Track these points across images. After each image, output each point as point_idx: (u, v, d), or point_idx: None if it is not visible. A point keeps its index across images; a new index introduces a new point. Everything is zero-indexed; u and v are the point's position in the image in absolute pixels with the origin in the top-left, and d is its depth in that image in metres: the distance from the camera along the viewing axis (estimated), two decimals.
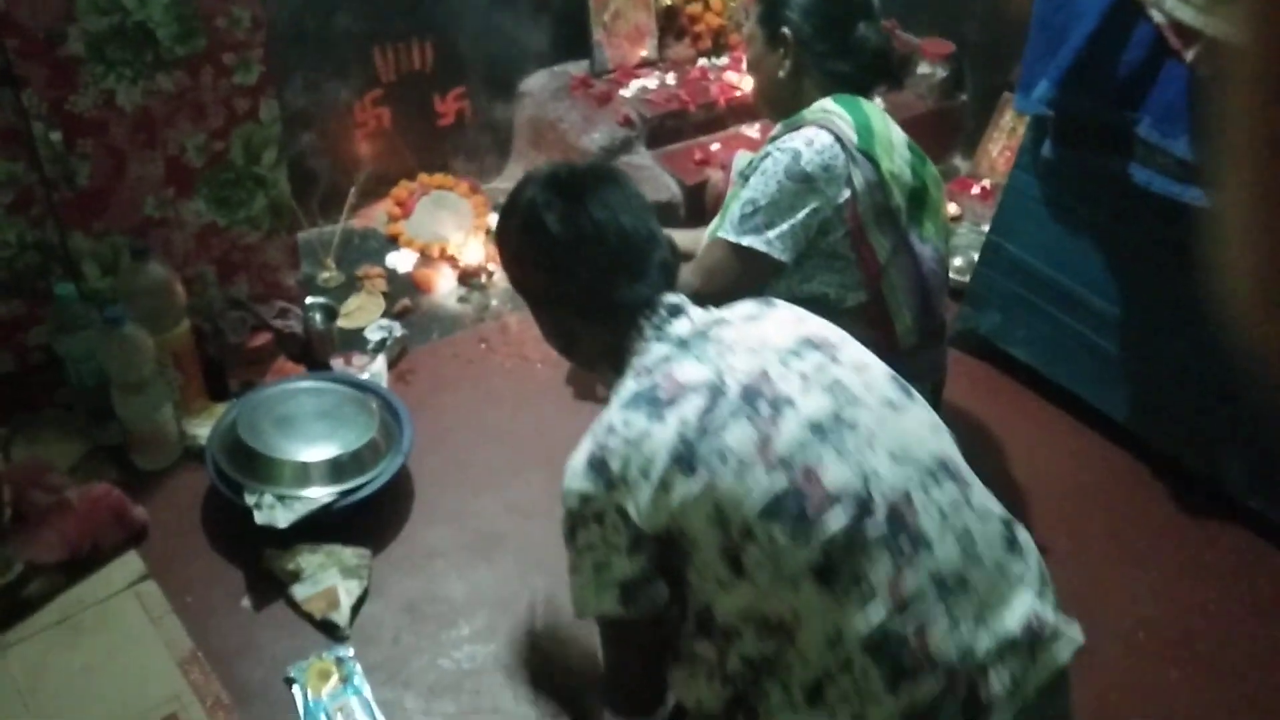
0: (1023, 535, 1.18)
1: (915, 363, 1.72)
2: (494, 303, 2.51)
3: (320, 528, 1.82)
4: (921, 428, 1.13)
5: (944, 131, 3.13)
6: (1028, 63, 1.98)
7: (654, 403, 1.10)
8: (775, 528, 1.02)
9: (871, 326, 1.67)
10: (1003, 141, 2.98)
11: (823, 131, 1.62)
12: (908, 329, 1.68)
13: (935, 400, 1.87)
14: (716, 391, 1.09)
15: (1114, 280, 2.09)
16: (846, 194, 1.61)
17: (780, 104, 1.75)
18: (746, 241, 1.63)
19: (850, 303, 1.67)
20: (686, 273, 1.77)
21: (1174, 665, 1.86)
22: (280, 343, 2.14)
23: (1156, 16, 1.72)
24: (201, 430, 1.98)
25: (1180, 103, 1.72)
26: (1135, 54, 1.78)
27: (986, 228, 2.39)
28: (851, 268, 1.65)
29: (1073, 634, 1.12)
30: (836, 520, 1.02)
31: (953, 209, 2.92)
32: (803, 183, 1.60)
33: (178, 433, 1.98)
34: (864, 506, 1.03)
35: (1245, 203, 0.39)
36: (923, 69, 3.07)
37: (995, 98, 2.98)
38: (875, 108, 1.72)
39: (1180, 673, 1.85)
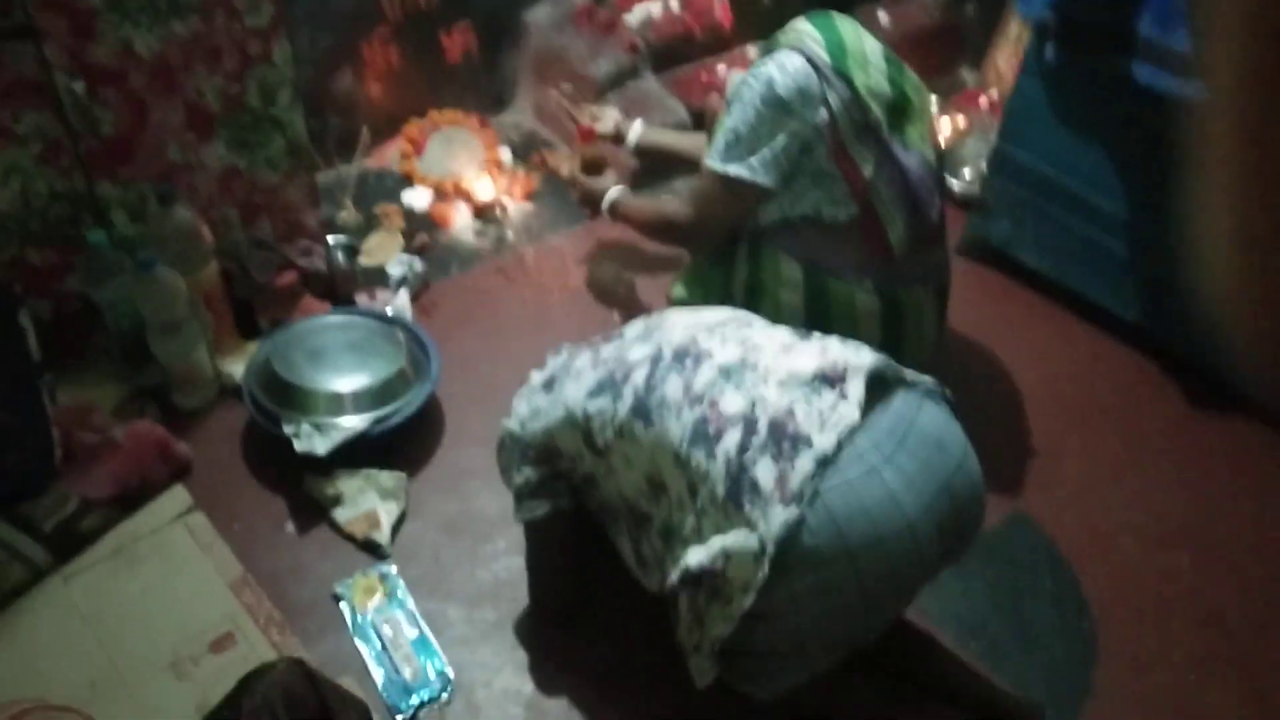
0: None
1: (913, 267, 1.77)
2: (509, 235, 2.56)
3: (357, 453, 1.89)
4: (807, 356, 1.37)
5: (950, 44, 3.13)
6: None
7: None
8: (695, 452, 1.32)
9: (865, 239, 1.72)
10: (1009, 51, 2.97)
11: (795, 54, 1.66)
12: (901, 238, 1.72)
13: (941, 302, 1.91)
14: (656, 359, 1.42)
15: (1121, 181, 2.11)
16: (824, 114, 1.65)
17: (762, 27, 1.80)
18: (732, 170, 1.69)
19: (842, 218, 1.72)
20: (680, 203, 1.83)
21: (1185, 552, 1.92)
22: (305, 281, 2.19)
23: None
24: (236, 368, 2.05)
25: (1178, 6, 1.73)
26: None
27: (995, 138, 2.41)
28: (838, 183, 1.69)
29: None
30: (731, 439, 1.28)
31: (961, 121, 2.93)
32: (778, 108, 1.64)
33: (213, 371, 2.05)
34: (750, 426, 1.28)
35: (1236, 93, 0.39)
36: None
37: (1001, 7, 2.96)
38: (849, 22, 1.75)
39: (1191, 559, 1.91)
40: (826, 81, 1.65)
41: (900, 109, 1.72)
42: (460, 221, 2.58)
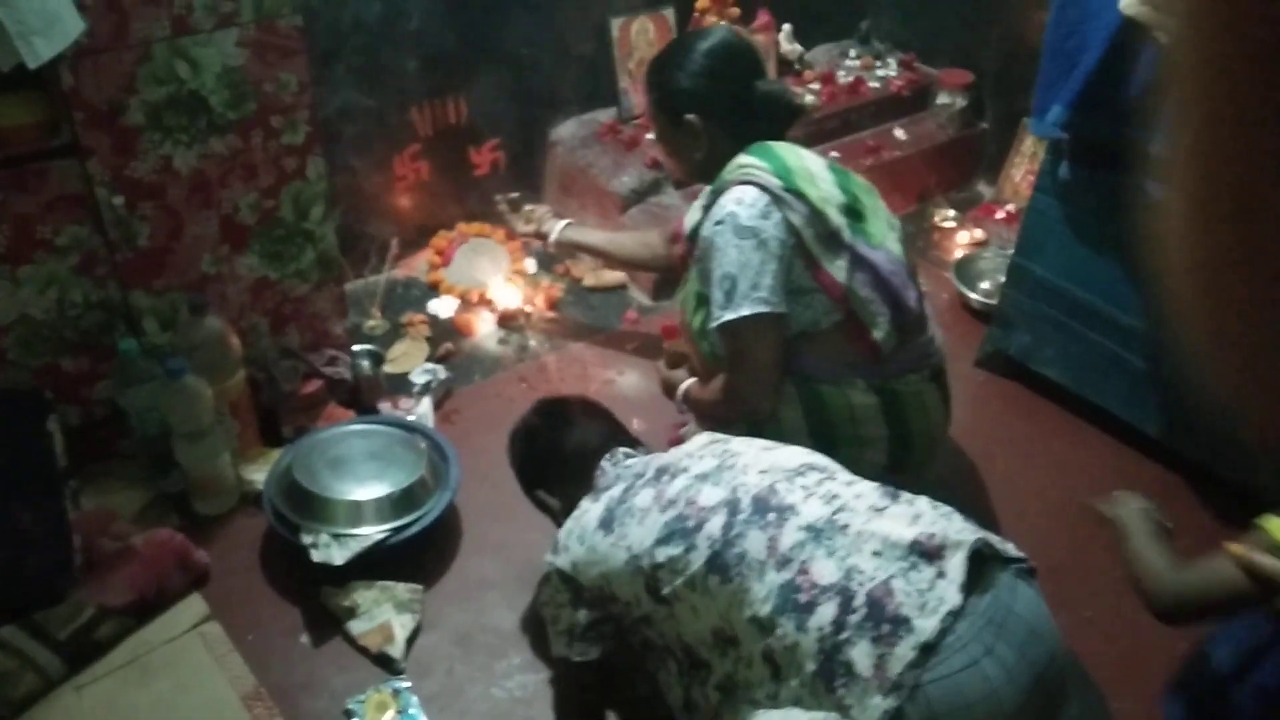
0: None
1: (902, 357, 1.78)
2: (532, 343, 2.59)
3: (374, 564, 1.89)
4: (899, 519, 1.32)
5: (966, 159, 3.19)
6: (1041, 88, 2.04)
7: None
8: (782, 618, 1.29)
9: (850, 341, 1.74)
10: (1024, 166, 3.03)
11: (747, 187, 1.71)
12: (886, 334, 1.74)
13: (939, 384, 1.90)
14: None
15: (1138, 295, 2.12)
16: (789, 232, 1.70)
17: (705, 174, 1.86)
18: (746, 311, 1.69)
19: (826, 324, 1.74)
20: (725, 379, 1.80)
21: None
22: (330, 389, 2.23)
23: (1162, 38, 1.78)
24: (258, 475, 2.07)
25: None
26: (1144, 74, 1.83)
27: (1012, 251, 2.43)
28: (818, 295, 1.72)
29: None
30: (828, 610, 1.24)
31: (979, 234, 2.97)
32: (752, 237, 1.68)
33: (235, 478, 2.07)
34: (847, 601, 1.23)
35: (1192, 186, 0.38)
36: (942, 99, 3.14)
37: (1015, 124, 3.03)
38: (783, 144, 1.81)
39: None
40: (782, 203, 1.70)
41: (855, 211, 1.76)
42: (484, 330, 2.62)
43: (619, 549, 1.43)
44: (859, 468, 1.50)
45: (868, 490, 1.39)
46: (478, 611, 1.91)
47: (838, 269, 1.71)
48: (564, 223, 2.48)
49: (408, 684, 1.76)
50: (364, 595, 1.87)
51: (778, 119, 1.86)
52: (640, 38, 2.92)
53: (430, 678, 1.79)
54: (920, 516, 1.31)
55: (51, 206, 1.88)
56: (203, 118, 1.94)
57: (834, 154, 2.94)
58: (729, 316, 1.71)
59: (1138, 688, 1.82)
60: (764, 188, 1.71)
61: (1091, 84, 1.90)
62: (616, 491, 1.52)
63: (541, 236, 2.49)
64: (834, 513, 1.32)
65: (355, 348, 2.35)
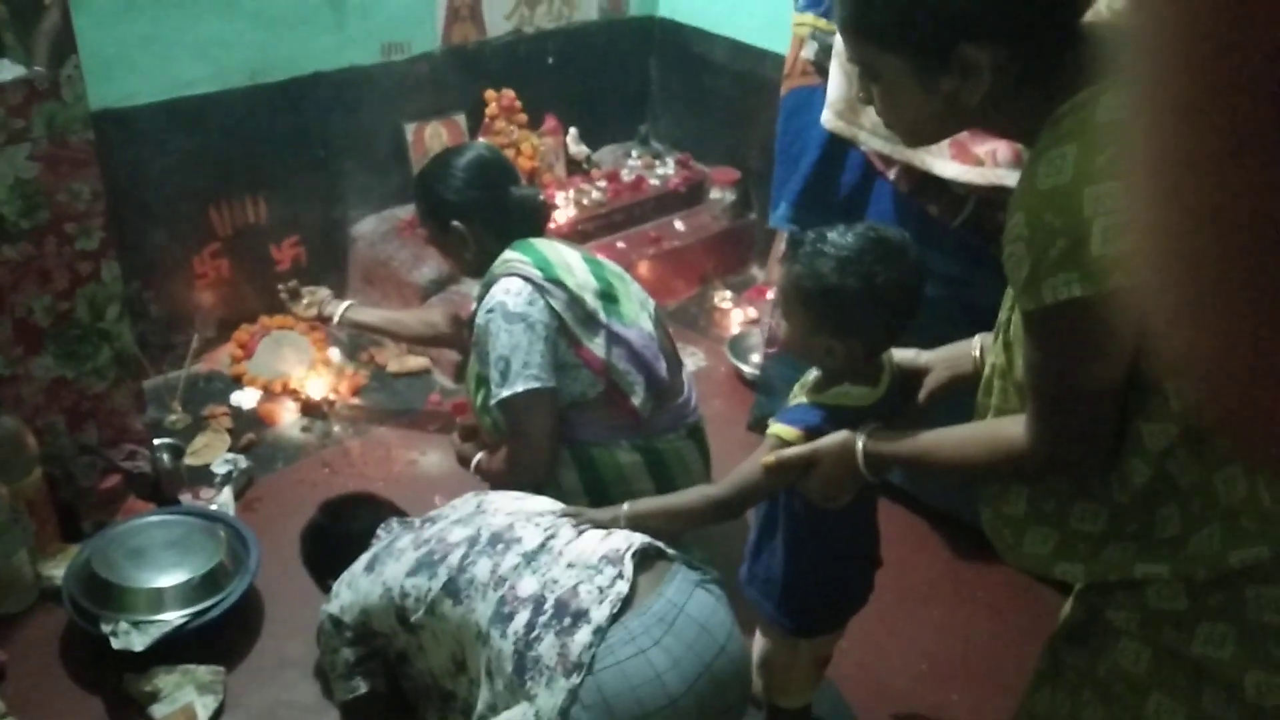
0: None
1: (660, 419, 2.02)
2: (336, 429, 2.72)
3: (177, 649, 1.96)
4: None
5: (739, 246, 3.53)
6: (775, 187, 2.36)
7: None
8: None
9: (614, 407, 1.98)
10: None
11: (513, 279, 1.94)
12: (643, 400, 1.98)
13: (697, 441, 2.15)
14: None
15: None
16: (552, 316, 1.93)
17: (478, 269, 2.08)
18: (520, 387, 1.90)
19: (592, 395, 1.97)
20: (509, 451, 2.01)
21: (954, 688, 2.15)
22: (130, 483, 2.29)
23: (862, 146, 2.12)
24: (56, 571, 2.10)
25: (889, 212, 2.10)
26: (851, 176, 2.17)
27: None
28: (582, 370, 1.96)
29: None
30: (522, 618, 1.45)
31: (752, 312, 3.29)
32: (520, 321, 1.90)
33: (33, 575, 2.10)
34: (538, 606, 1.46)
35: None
36: (714, 194, 3.48)
37: None
38: (545, 242, 2.06)
39: (960, 694, 2.14)
40: (544, 291, 1.93)
41: (609, 295, 2.01)
42: (288, 419, 2.72)
43: (377, 584, 1.61)
44: None
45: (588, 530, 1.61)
46: (280, 689, 2.00)
47: (597, 346, 1.95)
48: (346, 304, 2.63)
49: None
50: (166, 679, 1.93)
51: (532, 218, 2.11)
52: (434, 140, 3.14)
53: None
54: (612, 535, 1.54)
55: None
56: None
57: (620, 244, 3.22)
58: (505, 393, 1.91)
59: (888, 704, 2.08)
60: (527, 279, 1.94)
61: (809, 184, 2.22)
62: (384, 541, 1.70)
63: (325, 319, 2.63)
64: (547, 539, 1.53)
65: (156, 441, 2.42)
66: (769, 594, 1.63)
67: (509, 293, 1.93)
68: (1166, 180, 0.36)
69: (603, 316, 1.97)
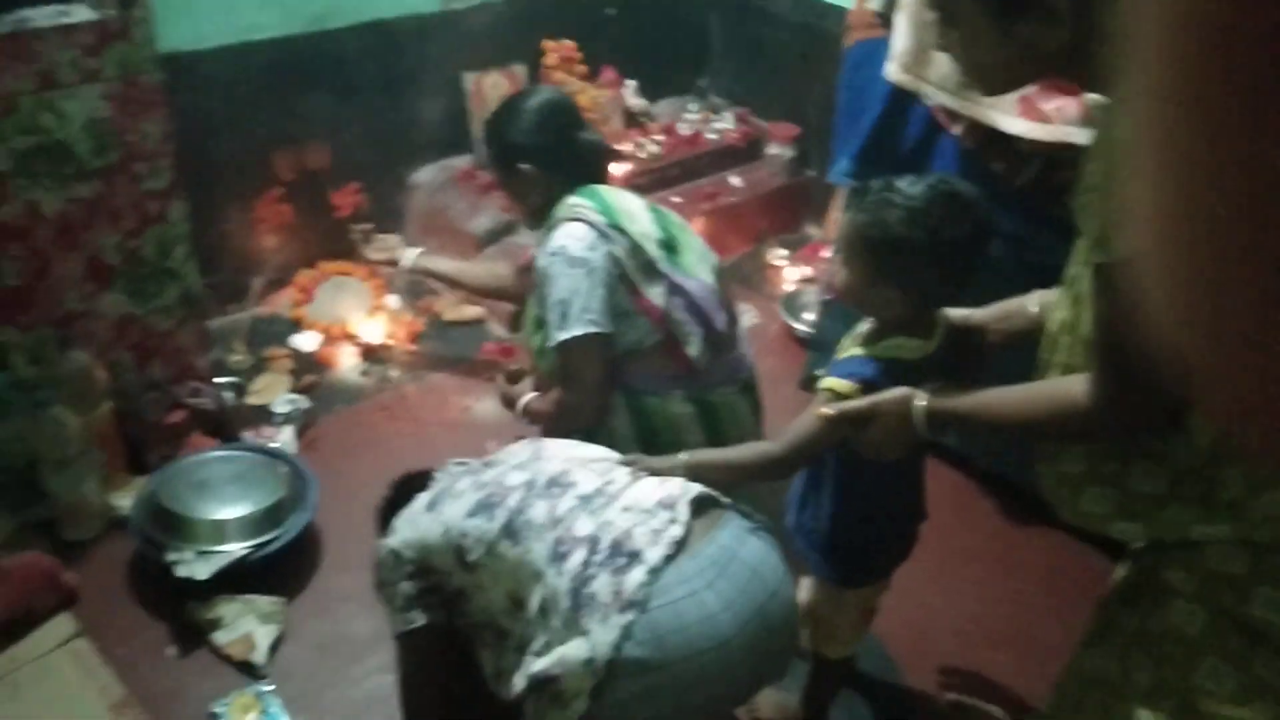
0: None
1: (715, 372, 2.03)
2: (393, 374, 2.76)
3: (238, 579, 2.03)
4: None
5: (796, 204, 3.51)
6: (836, 143, 2.34)
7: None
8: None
9: (669, 357, 1.98)
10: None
11: (576, 223, 1.95)
12: (699, 349, 1.99)
13: (750, 395, 2.16)
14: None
15: None
16: (613, 262, 1.93)
17: (542, 215, 2.08)
18: (578, 331, 1.91)
19: (648, 344, 1.98)
20: (559, 393, 2.03)
21: (999, 649, 2.15)
22: (194, 419, 2.35)
23: (927, 100, 2.09)
24: (124, 502, 2.18)
25: (953, 168, 2.08)
26: (915, 131, 2.14)
27: None
28: (640, 318, 1.96)
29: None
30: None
31: (806, 271, 3.28)
32: (581, 266, 1.91)
33: (103, 505, 2.17)
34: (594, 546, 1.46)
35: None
36: (772, 149, 3.45)
37: None
38: (609, 189, 2.06)
39: (1005, 655, 2.14)
40: (606, 237, 1.94)
41: (670, 245, 2.02)
42: (347, 363, 2.78)
43: (437, 523, 1.65)
44: None
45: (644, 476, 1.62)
46: (336, 621, 2.07)
47: (656, 295, 1.95)
48: (416, 251, 2.67)
49: (270, 688, 1.90)
50: (228, 608, 2.00)
51: (597, 163, 2.11)
52: (494, 91, 3.14)
53: (292, 681, 1.94)
54: (668, 482, 1.56)
55: None
56: (68, 165, 2.07)
57: (676, 199, 3.21)
58: (563, 336, 1.93)
59: (934, 662, 2.09)
60: (590, 224, 1.95)
61: (871, 139, 2.20)
62: (444, 484, 1.74)
63: (393, 263, 2.67)
64: (603, 484, 1.56)
65: (219, 380, 2.49)
66: (815, 544, 1.64)
67: (571, 236, 1.94)
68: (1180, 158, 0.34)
69: (663, 265, 1.97)
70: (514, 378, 2.29)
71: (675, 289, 1.98)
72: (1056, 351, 1.27)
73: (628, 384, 2.00)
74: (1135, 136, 0.36)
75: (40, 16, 1.96)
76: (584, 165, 2.07)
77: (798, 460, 1.58)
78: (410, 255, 2.65)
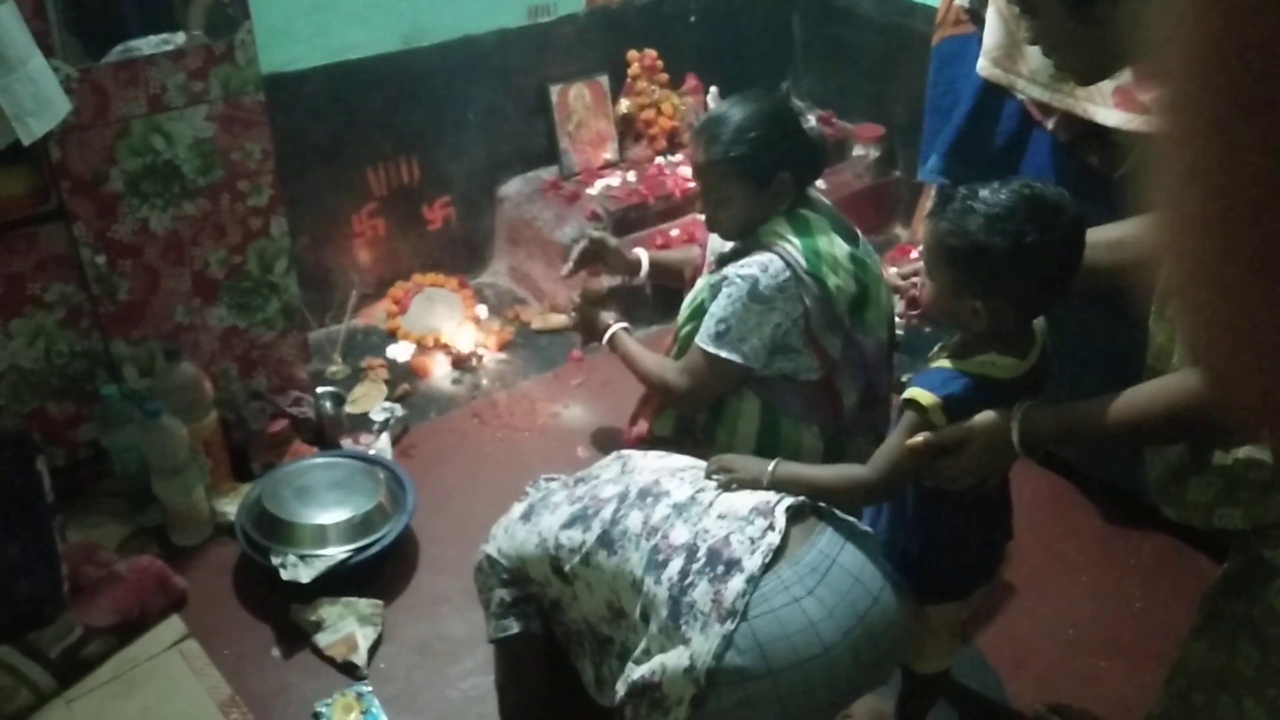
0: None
1: (857, 423, 1.97)
2: (484, 382, 2.81)
3: (339, 582, 2.08)
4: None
5: (882, 205, 3.47)
6: (924, 140, 2.31)
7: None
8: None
9: (820, 395, 1.92)
10: None
11: (776, 258, 1.83)
12: (853, 404, 1.93)
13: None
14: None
15: None
16: (799, 309, 1.84)
17: (750, 227, 1.91)
18: (725, 354, 1.87)
19: (804, 377, 1.91)
20: (675, 371, 1.99)
21: (1103, 656, 2.09)
22: (295, 427, 2.42)
23: (1019, 95, 2.05)
24: (229, 508, 2.25)
25: (1047, 163, 2.03)
26: (1007, 126, 2.10)
27: None
28: (806, 358, 1.89)
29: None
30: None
31: (893, 272, 3.22)
32: (762, 303, 1.83)
33: (209, 511, 2.25)
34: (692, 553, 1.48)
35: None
36: (857, 151, 3.42)
37: None
38: (823, 224, 1.90)
39: (1109, 663, 2.08)
40: (802, 283, 1.83)
41: (861, 301, 1.90)
42: (439, 371, 2.83)
43: (533, 534, 1.66)
44: None
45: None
46: (434, 623, 2.11)
47: (832, 345, 1.88)
48: (643, 251, 2.38)
49: (370, 688, 1.95)
50: (329, 610, 2.06)
51: (813, 164, 1.95)
52: (577, 102, 3.18)
53: (391, 682, 1.98)
54: (760, 490, 1.54)
55: (40, 266, 2.08)
56: (176, 184, 2.16)
57: None
58: (709, 348, 1.88)
59: (1033, 671, 2.04)
60: (789, 264, 1.84)
61: (962, 135, 2.16)
62: (539, 494, 1.76)
63: (636, 269, 2.36)
64: (696, 493, 1.55)
65: (318, 389, 2.56)
66: (896, 562, 1.59)
67: (766, 271, 1.83)
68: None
69: (847, 323, 1.89)
70: (594, 298, 2.20)
71: (851, 342, 1.90)
72: (1174, 357, 1.22)
73: (772, 399, 1.94)
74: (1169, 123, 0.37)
75: (146, 45, 2.05)
76: (807, 164, 1.93)
77: (888, 490, 1.53)
78: (644, 257, 2.37)
